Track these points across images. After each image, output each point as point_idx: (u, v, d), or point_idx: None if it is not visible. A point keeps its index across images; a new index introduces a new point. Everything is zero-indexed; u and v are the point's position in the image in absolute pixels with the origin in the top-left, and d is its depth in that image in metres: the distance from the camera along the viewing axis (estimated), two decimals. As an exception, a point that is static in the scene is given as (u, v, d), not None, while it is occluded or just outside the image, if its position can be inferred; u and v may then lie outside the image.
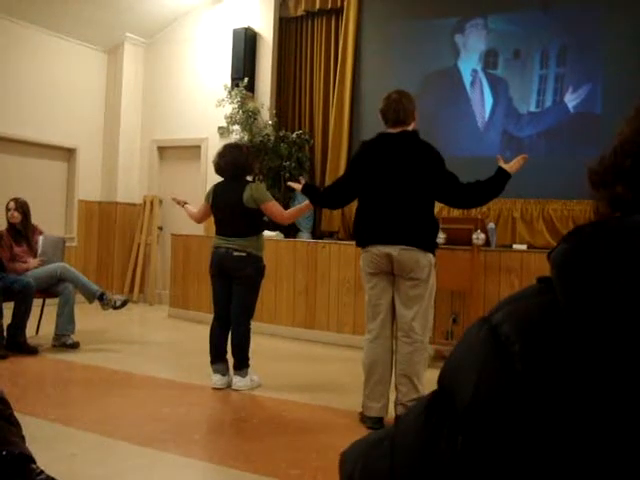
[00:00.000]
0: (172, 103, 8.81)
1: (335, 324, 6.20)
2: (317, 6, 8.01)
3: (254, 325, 4.47)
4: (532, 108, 6.88)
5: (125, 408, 3.86)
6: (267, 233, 6.03)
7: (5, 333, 5.13)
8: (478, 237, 5.13)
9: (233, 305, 4.33)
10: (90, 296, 5.61)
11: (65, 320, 5.44)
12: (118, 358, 5.19)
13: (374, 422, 3.54)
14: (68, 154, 8.60)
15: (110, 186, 8.94)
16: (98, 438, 3.26)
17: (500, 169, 3.55)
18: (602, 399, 0.49)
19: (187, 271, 7.30)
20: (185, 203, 4.90)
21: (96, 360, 5.06)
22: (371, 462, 0.67)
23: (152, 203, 8.84)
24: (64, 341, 5.41)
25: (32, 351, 5.15)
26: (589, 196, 0.66)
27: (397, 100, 3.60)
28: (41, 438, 3.05)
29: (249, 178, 4.59)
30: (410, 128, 3.62)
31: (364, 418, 3.62)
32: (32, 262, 5.46)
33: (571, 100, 6.70)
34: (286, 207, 5.38)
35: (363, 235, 3.64)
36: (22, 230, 5.59)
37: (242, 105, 7.88)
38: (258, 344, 4.80)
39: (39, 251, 5.58)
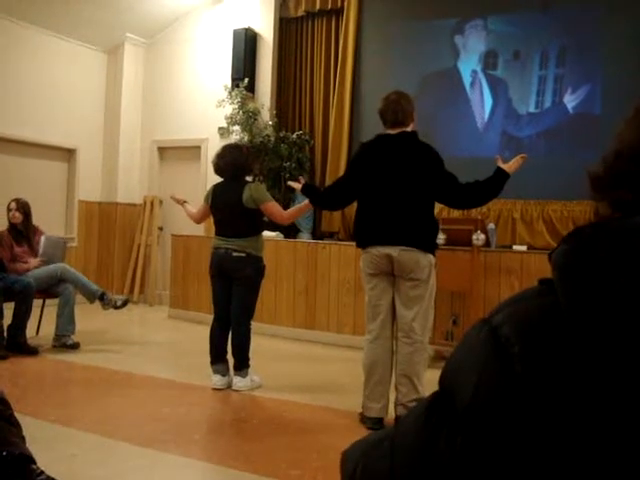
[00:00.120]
0: (172, 103, 8.81)
1: (335, 325, 6.20)
2: (317, 7, 8.01)
3: (254, 325, 4.47)
4: (531, 109, 6.89)
5: (125, 408, 3.87)
6: (267, 233, 6.02)
7: (5, 333, 5.13)
8: (478, 238, 5.13)
9: (233, 306, 4.32)
10: (91, 296, 5.61)
11: (65, 320, 5.44)
12: (118, 358, 5.19)
13: (374, 422, 3.54)
14: (68, 154, 8.60)
15: (110, 186, 8.94)
16: (98, 438, 3.26)
17: (499, 169, 3.55)
18: (602, 401, 0.49)
19: (187, 271, 7.30)
20: (184, 202, 4.90)
21: (96, 360, 5.06)
22: (371, 462, 0.67)
23: (152, 203, 8.84)
24: (64, 341, 5.41)
25: (32, 352, 5.15)
26: (589, 197, 0.67)
27: (396, 101, 3.60)
28: (41, 438, 3.05)
29: (249, 178, 4.59)
30: (409, 129, 3.62)
31: (364, 418, 3.62)
32: (32, 262, 5.46)
33: (570, 101, 6.70)
34: (286, 208, 5.38)
35: (363, 236, 3.65)
36: (23, 230, 5.59)
37: (242, 106, 7.88)
38: (258, 344, 4.80)
39: (40, 252, 5.58)
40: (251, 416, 3.83)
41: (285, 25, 8.38)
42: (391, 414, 3.58)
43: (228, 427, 3.67)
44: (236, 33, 8.10)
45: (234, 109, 7.90)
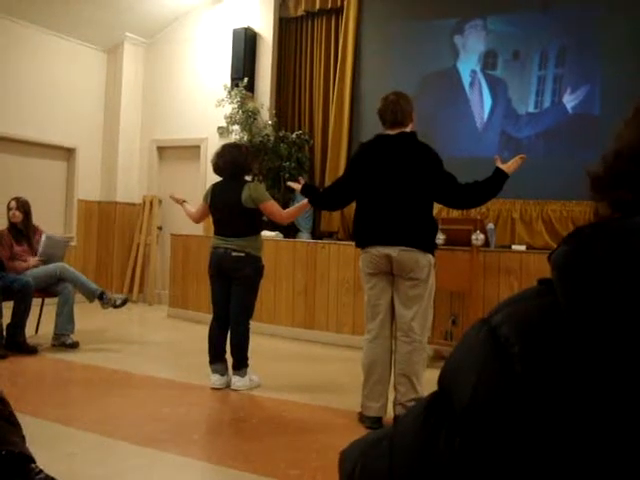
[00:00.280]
0: (172, 103, 8.81)
1: (334, 324, 6.21)
2: (317, 6, 8.01)
3: (253, 325, 4.47)
4: (531, 109, 6.89)
5: (124, 408, 3.87)
6: (266, 233, 6.03)
7: (4, 333, 5.13)
8: (477, 238, 5.13)
9: (232, 305, 4.32)
10: (90, 295, 5.61)
11: (64, 320, 5.44)
12: (117, 358, 5.19)
13: (373, 422, 3.54)
14: (68, 154, 8.60)
15: (110, 186, 8.94)
16: (98, 438, 3.26)
17: (498, 169, 3.56)
18: (602, 401, 0.49)
19: (186, 271, 7.30)
20: (183, 201, 4.90)
21: (95, 360, 5.06)
22: (370, 462, 0.67)
23: (152, 203, 8.84)
24: (63, 341, 5.41)
25: (31, 351, 5.15)
26: (589, 197, 0.67)
27: (394, 101, 3.60)
28: (41, 438, 3.05)
29: (248, 178, 4.59)
30: (408, 129, 3.63)
31: (363, 418, 3.62)
32: (31, 261, 5.46)
33: (569, 101, 6.70)
34: (285, 207, 5.38)
35: (362, 236, 3.65)
36: (23, 229, 5.59)
37: (242, 105, 7.89)
38: (257, 344, 4.80)
39: (39, 251, 5.57)
40: (250, 416, 3.83)
41: (285, 25, 8.38)
42: (390, 413, 3.59)
43: (227, 427, 3.68)
44: (236, 33, 8.10)
45: (233, 109, 7.90)
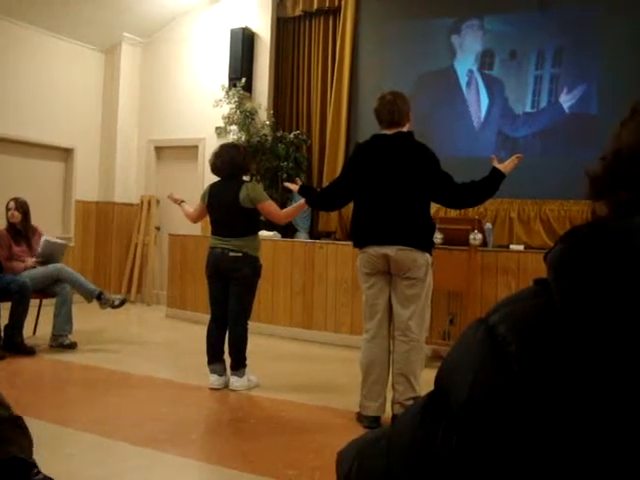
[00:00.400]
0: (169, 103, 8.80)
1: (332, 324, 6.21)
2: (315, 6, 8.01)
3: (251, 325, 4.47)
4: (527, 108, 6.90)
5: (123, 408, 3.87)
6: (264, 233, 6.03)
7: (2, 334, 5.13)
8: (475, 237, 5.14)
9: (230, 305, 4.32)
10: (88, 295, 5.61)
11: (62, 320, 5.43)
12: (116, 358, 5.18)
13: (371, 421, 3.55)
14: (65, 154, 8.59)
15: (107, 186, 8.93)
16: (96, 438, 3.26)
17: (494, 169, 3.56)
18: (598, 400, 0.50)
19: (184, 271, 7.30)
20: (182, 201, 4.90)
21: (94, 360, 5.06)
22: (368, 461, 0.67)
23: (149, 203, 8.83)
24: (61, 341, 5.40)
25: (29, 352, 5.14)
26: (586, 197, 0.67)
27: (391, 101, 3.61)
28: (39, 438, 3.03)
29: (246, 178, 4.59)
30: (405, 129, 3.63)
31: (361, 417, 3.62)
32: (28, 261, 5.46)
33: (566, 101, 6.71)
34: (283, 207, 5.38)
35: (360, 236, 3.65)
36: (22, 230, 5.58)
37: (240, 105, 7.88)
38: (255, 344, 4.81)
39: (38, 252, 5.56)
40: (248, 416, 3.83)
41: (282, 25, 8.38)
42: (388, 413, 3.59)
43: (225, 427, 3.68)
44: (233, 33, 8.10)
45: (231, 109, 7.90)
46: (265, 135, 7.78)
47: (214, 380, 4.34)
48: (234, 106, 7.88)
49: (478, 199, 3.69)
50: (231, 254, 4.26)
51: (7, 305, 5.19)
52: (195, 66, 8.63)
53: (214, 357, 4.37)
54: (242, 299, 4.32)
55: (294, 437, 3.44)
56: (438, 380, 0.63)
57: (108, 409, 3.81)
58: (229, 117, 7.91)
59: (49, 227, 7.28)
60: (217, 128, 8.09)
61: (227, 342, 4.38)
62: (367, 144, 3.69)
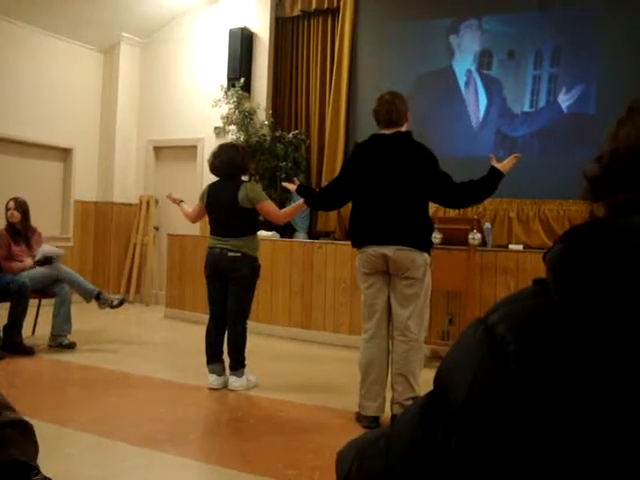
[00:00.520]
0: (168, 103, 8.80)
1: (331, 324, 6.21)
2: (313, 6, 8.01)
3: (250, 325, 4.47)
4: (526, 108, 6.90)
5: (122, 408, 3.86)
6: (263, 233, 6.03)
7: (1, 333, 5.13)
8: (474, 237, 5.14)
9: (229, 305, 4.32)
10: (87, 295, 5.61)
11: (61, 320, 5.43)
12: (115, 358, 5.18)
13: (370, 421, 3.55)
14: (64, 154, 8.58)
15: (106, 186, 8.92)
16: (95, 438, 3.26)
17: (493, 168, 3.56)
18: (597, 399, 0.50)
19: (183, 271, 7.30)
20: (181, 201, 4.90)
21: (93, 360, 5.06)
22: (367, 461, 0.67)
23: (148, 203, 8.83)
24: (60, 341, 5.40)
25: (28, 352, 5.14)
26: (583, 198, 0.66)
27: (390, 101, 3.61)
28: (38, 439, 3.04)
29: (245, 178, 4.58)
30: (403, 129, 3.63)
31: (360, 417, 3.62)
32: (27, 262, 5.45)
33: (564, 100, 6.72)
34: (282, 207, 5.37)
35: (358, 236, 3.66)
36: (21, 230, 5.58)
37: (238, 105, 7.88)
38: (254, 344, 4.81)
39: (37, 256, 5.53)
40: (247, 416, 3.83)
41: (281, 25, 8.38)
42: (387, 413, 3.59)
43: (224, 427, 3.67)
44: (232, 33, 8.10)
45: (230, 109, 7.90)
46: (264, 135, 7.78)
47: (213, 380, 4.33)
48: (233, 106, 7.88)
49: (477, 198, 3.69)
50: (230, 254, 4.26)
51: (6, 305, 5.19)
52: (194, 66, 8.63)
53: (213, 357, 4.37)
54: (241, 299, 4.32)
55: (293, 437, 3.44)
56: (437, 380, 0.63)
57: (107, 409, 3.81)
58: (228, 117, 7.91)
59: (48, 227, 7.28)
60: (216, 128, 8.09)
61: (226, 342, 4.38)
62: (366, 144, 3.69)
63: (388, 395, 3.61)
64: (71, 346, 5.40)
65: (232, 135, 7.87)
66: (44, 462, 1.44)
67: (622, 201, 0.60)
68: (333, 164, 7.67)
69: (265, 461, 3.05)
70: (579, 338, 0.52)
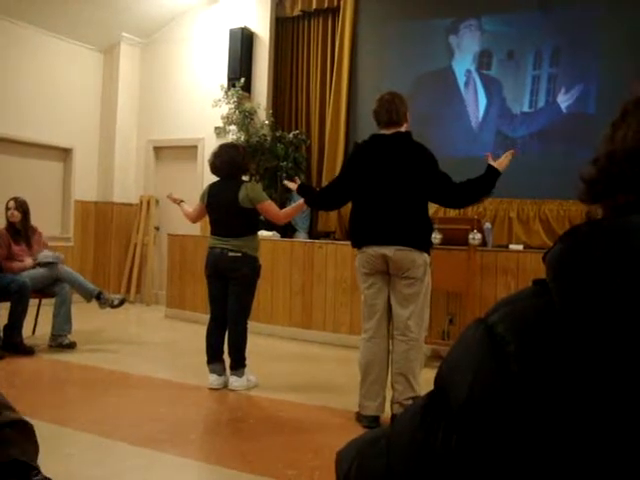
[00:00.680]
0: (168, 103, 8.80)
1: (331, 324, 6.21)
2: (313, 6, 8.01)
3: (251, 325, 4.47)
4: (525, 108, 6.91)
5: (122, 408, 3.86)
6: (264, 233, 6.03)
7: (1, 333, 5.13)
8: (474, 237, 5.14)
9: (229, 305, 4.32)
10: (87, 295, 5.61)
11: (62, 320, 5.43)
12: (115, 358, 5.18)
13: (370, 421, 3.55)
14: (64, 154, 8.59)
15: (106, 186, 8.93)
16: (95, 438, 3.26)
17: (490, 167, 3.57)
18: (597, 399, 0.50)
19: (184, 271, 7.30)
20: (181, 201, 4.90)
21: (93, 360, 5.06)
22: (367, 461, 0.67)
23: (148, 203, 8.83)
24: (61, 341, 5.40)
25: (28, 351, 5.14)
26: (580, 200, 0.66)
27: (389, 101, 3.61)
28: (38, 438, 3.04)
29: (245, 178, 4.58)
30: (403, 129, 3.63)
31: (360, 417, 3.62)
32: (27, 261, 5.46)
33: (564, 100, 6.72)
34: (282, 207, 5.38)
35: (358, 236, 3.66)
36: (21, 229, 5.58)
37: (239, 105, 7.88)
38: (255, 344, 4.81)
39: (37, 258, 5.53)
40: (247, 416, 3.83)
41: (281, 24, 8.38)
42: (387, 412, 3.59)
43: (224, 427, 3.67)
44: (232, 33, 8.10)
45: (230, 109, 7.90)
46: (264, 135, 7.78)
47: (213, 380, 4.34)
48: (233, 106, 7.88)
49: (476, 198, 3.69)
50: (230, 254, 4.27)
51: (6, 305, 5.19)
52: (194, 66, 8.63)
53: (213, 357, 4.37)
54: (241, 299, 4.32)
55: (293, 437, 3.44)
56: (438, 380, 0.63)
57: (107, 409, 3.81)
58: (228, 117, 7.91)
59: (48, 227, 7.27)
60: (216, 128, 8.09)
61: (226, 342, 4.38)
62: (365, 144, 3.70)
63: (388, 395, 3.61)
64: (71, 346, 5.40)
65: (232, 135, 7.87)
66: (44, 462, 1.44)
67: (620, 203, 0.60)
68: (333, 164, 7.67)
69: (265, 461, 3.05)
70: (579, 338, 0.52)
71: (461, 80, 7.23)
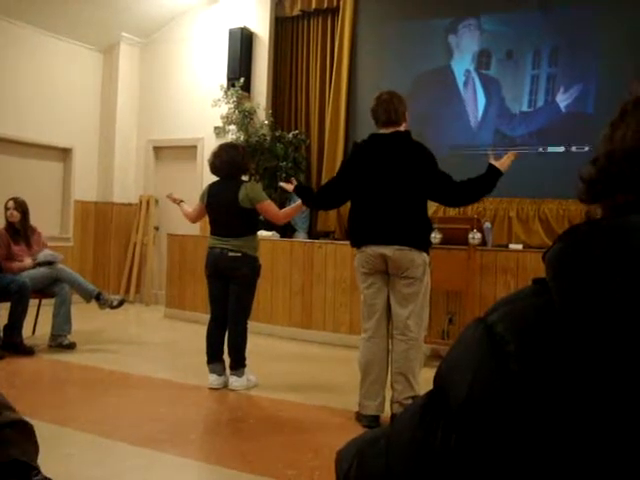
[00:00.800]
0: (168, 103, 8.80)
1: (331, 324, 6.21)
2: (313, 6, 8.01)
3: (251, 325, 4.47)
4: (524, 108, 6.91)
5: (122, 408, 3.86)
6: (263, 233, 6.03)
7: (1, 334, 5.13)
8: (474, 237, 5.14)
9: (229, 305, 4.32)
10: (87, 295, 5.61)
11: (61, 320, 5.43)
12: (115, 358, 5.18)
13: (370, 420, 3.55)
14: (64, 154, 8.58)
15: (106, 186, 8.92)
16: (95, 438, 3.26)
17: (491, 166, 3.57)
18: (597, 398, 0.50)
19: (183, 271, 7.30)
20: (181, 201, 4.90)
21: (93, 360, 5.06)
22: (367, 460, 0.67)
23: (148, 203, 8.83)
24: (60, 341, 5.40)
25: (28, 352, 5.14)
26: (579, 199, 0.67)
27: (388, 100, 3.61)
28: (38, 438, 3.04)
29: (245, 178, 4.58)
30: (402, 128, 3.63)
31: (360, 417, 3.62)
32: (27, 261, 5.46)
33: (563, 100, 6.72)
34: (282, 207, 5.38)
35: (357, 236, 3.66)
36: (21, 229, 5.58)
37: (238, 105, 7.88)
38: (255, 344, 4.81)
39: (37, 259, 5.53)
40: (247, 416, 3.83)
41: (281, 24, 8.38)
42: (387, 412, 3.59)
43: (224, 427, 3.68)
44: (232, 32, 8.10)
45: (230, 109, 7.90)
46: (264, 135, 7.78)
47: (213, 380, 4.34)
48: (233, 106, 7.88)
49: (476, 196, 3.69)
50: (230, 254, 4.27)
51: (6, 305, 5.19)
52: (194, 66, 8.63)
53: (213, 357, 4.37)
54: (241, 299, 4.32)
55: (293, 437, 3.44)
56: (437, 379, 0.63)
57: (107, 409, 3.81)
58: (228, 117, 7.91)
59: (48, 227, 7.28)
60: (216, 128, 8.09)
61: (226, 342, 4.38)
62: (364, 143, 3.69)
63: (388, 394, 3.61)
64: (71, 346, 5.40)
65: (232, 135, 7.87)
66: (44, 462, 1.44)
67: (620, 202, 0.60)
68: (333, 164, 7.66)
69: (265, 461, 3.05)
70: (579, 337, 0.52)
71: (460, 80, 7.24)
